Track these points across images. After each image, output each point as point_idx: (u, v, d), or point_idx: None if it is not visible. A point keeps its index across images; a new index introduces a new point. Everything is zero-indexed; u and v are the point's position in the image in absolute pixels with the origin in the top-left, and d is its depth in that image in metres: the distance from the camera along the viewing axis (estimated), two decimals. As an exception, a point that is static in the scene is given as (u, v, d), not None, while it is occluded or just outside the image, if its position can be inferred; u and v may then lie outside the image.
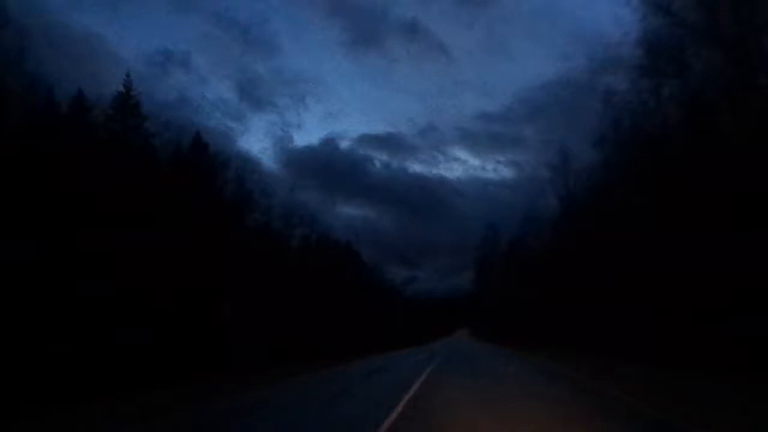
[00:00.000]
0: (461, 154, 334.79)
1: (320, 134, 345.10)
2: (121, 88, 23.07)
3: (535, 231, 43.34)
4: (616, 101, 24.11)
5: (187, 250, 22.83)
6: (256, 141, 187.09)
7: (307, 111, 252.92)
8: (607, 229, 29.16)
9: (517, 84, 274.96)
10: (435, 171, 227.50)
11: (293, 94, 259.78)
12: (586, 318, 31.98)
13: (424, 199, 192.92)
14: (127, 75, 23.21)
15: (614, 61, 24.44)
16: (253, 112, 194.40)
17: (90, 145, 21.75)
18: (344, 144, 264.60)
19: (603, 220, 29.82)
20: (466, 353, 36.94)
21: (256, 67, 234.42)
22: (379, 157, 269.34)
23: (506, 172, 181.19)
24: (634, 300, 25.61)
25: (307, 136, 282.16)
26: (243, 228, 33.09)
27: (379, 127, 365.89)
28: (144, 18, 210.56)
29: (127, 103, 22.97)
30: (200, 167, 25.64)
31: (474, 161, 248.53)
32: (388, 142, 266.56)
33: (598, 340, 29.66)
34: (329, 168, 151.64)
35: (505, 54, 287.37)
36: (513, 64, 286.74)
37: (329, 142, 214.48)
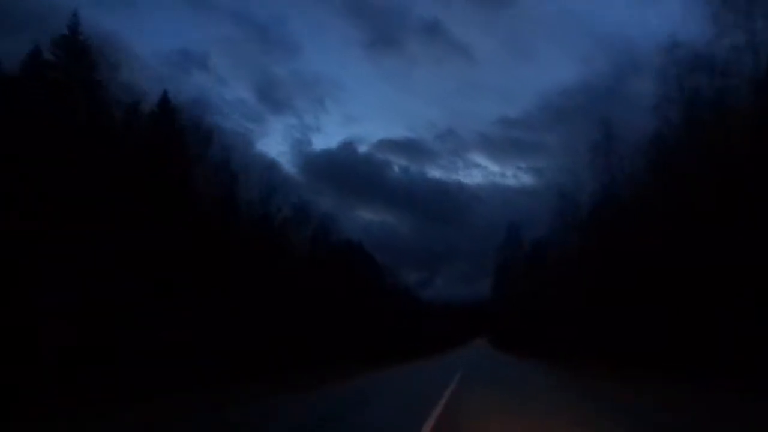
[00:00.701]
0: (481, 159, 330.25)
1: (339, 138, 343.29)
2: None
3: (563, 230, 38.23)
4: (682, 55, 19.23)
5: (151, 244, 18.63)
6: (274, 144, 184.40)
7: (326, 114, 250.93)
8: (659, 219, 24.19)
9: (538, 88, 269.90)
10: (454, 176, 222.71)
11: (312, 96, 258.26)
12: (629, 322, 26.84)
13: (442, 205, 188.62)
14: (74, 14, 18.87)
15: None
16: (271, 113, 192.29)
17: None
18: (363, 148, 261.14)
19: (654, 208, 24.81)
20: (493, 372, 29.24)
21: (274, 68, 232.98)
22: (398, 162, 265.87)
23: (527, 179, 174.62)
24: (690, 304, 20.81)
25: (326, 139, 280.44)
26: (232, 219, 28.67)
27: (398, 132, 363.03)
28: (162, 17, 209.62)
29: (72, 48, 18.64)
30: (168, 139, 21.16)
31: (494, 167, 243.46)
32: (406, 146, 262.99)
33: (647, 350, 24.55)
34: (347, 172, 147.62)
35: (526, 57, 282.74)
36: (534, 68, 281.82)
37: (348, 146, 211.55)
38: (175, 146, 21.83)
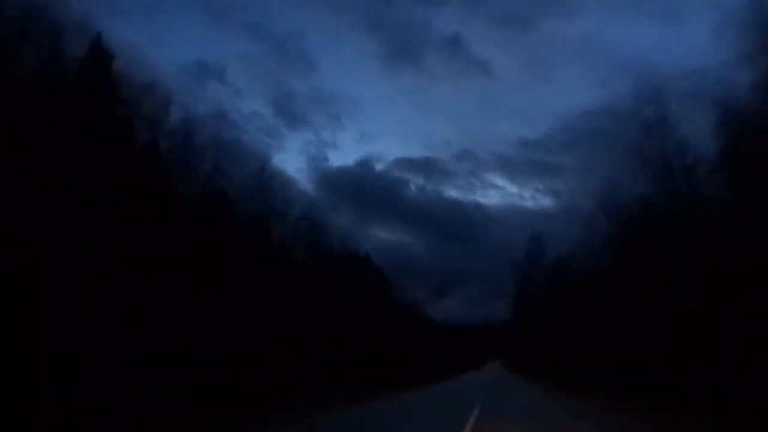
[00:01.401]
0: (499, 180, 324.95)
1: (356, 155, 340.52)
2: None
3: (595, 243, 32.88)
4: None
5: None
6: (291, 160, 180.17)
7: (342, 130, 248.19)
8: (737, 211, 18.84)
9: (557, 110, 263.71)
10: (471, 197, 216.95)
11: (329, 112, 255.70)
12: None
13: (459, 226, 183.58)
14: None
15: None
16: (288, 129, 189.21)
17: None
18: (380, 166, 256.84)
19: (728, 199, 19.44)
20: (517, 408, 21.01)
21: (291, 83, 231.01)
22: (415, 181, 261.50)
23: (545, 201, 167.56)
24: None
25: (343, 156, 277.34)
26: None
27: (415, 150, 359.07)
28: (180, 29, 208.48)
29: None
30: (100, 96, 16.26)
31: (511, 188, 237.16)
32: (424, 165, 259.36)
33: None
34: (364, 190, 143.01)
35: (545, 78, 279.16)
36: (554, 90, 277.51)
37: (365, 164, 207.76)
38: (116, 103, 16.95)
